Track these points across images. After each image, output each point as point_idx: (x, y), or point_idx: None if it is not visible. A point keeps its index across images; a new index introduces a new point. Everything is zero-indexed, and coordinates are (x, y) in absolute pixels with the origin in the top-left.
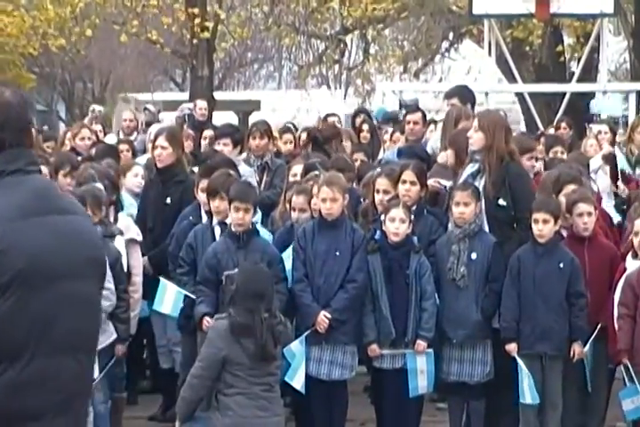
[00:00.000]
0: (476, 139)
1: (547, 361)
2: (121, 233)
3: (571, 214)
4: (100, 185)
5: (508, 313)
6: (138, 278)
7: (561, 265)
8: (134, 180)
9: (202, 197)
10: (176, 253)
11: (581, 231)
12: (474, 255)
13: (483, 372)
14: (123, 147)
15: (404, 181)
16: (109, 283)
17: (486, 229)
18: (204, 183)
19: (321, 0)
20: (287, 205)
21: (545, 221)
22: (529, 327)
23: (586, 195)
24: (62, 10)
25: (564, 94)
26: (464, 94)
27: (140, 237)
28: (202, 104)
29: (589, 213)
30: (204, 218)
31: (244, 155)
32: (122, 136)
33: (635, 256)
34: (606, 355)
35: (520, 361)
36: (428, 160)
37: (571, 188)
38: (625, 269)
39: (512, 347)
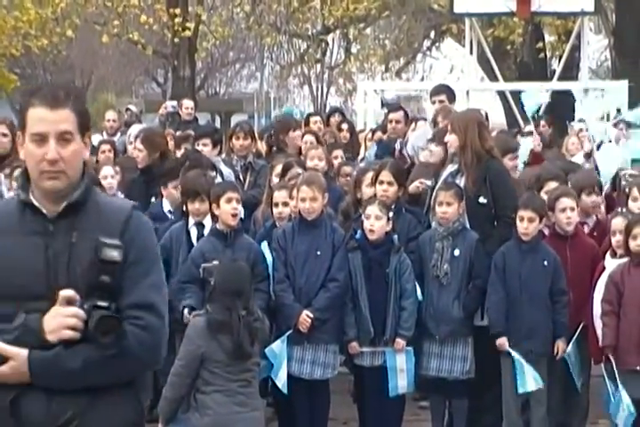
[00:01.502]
0: (450, 141)
1: (533, 359)
2: None
3: (553, 211)
4: None
5: (494, 308)
6: None
7: (545, 263)
8: (103, 182)
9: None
10: None
11: (565, 226)
12: (456, 252)
13: (462, 368)
14: (105, 147)
15: (382, 182)
16: None
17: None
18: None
19: (302, 0)
20: (270, 204)
21: (530, 220)
22: (515, 325)
23: (568, 190)
24: (43, 10)
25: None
26: (449, 92)
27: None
28: (188, 104)
29: (572, 209)
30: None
31: (224, 155)
32: (105, 136)
33: (613, 255)
34: (588, 353)
35: (514, 353)
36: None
37: (552, 185)
38: (604, 268)
39: (502, 341)
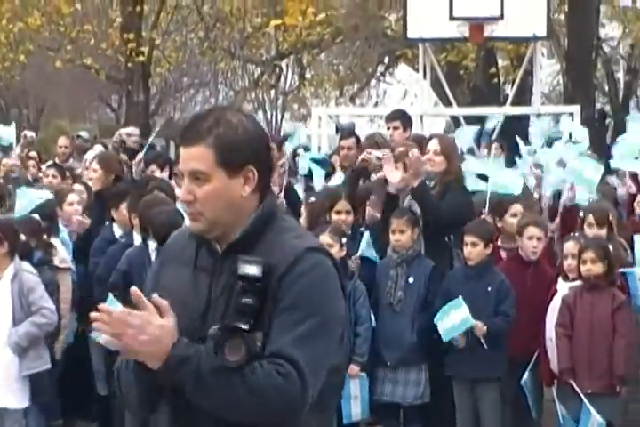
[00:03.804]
0: (437, 162)
1: (479, 386)
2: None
3: (520, 236)
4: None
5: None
6: (66, 305)
7: (489, 289)
8: (70, 208)
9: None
10: (106, 277)
11: (529, 255)
12: (411, 279)
13: (416, 394)
14: (49, 171)
15: (339, 212)
16: (47, 302)
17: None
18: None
19: (256, 25)
20: None
21: (473, 244)
22: (457, 352)
23: (537, 219)
24: None
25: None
26: (405, 118)
27: (68, 264)
28: (133, 131)
29: (539, 238)
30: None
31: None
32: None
33: (565, 278)
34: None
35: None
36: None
37: (517, 207)
38: (556, 291)
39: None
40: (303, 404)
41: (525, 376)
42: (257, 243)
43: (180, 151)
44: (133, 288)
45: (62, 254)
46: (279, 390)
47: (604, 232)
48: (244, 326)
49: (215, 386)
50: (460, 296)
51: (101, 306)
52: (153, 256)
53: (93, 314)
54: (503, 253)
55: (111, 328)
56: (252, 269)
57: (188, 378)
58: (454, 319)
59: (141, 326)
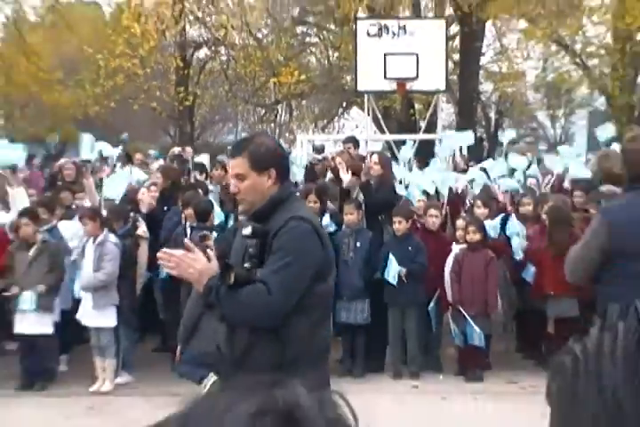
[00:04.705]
0: (376, 169)
1: (407, 311)
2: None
3: (425, 215)
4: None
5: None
6: (142, 261)
7: (410, 248)
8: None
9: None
10: (166, 241)
11: (431, 226)
12: (358, 244)
13: (362, 317)
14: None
15: (309, 202)
16: (111, 266)
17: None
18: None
19: (261, 82)
20: None
21: (399, 222)
22: (393, 290)
23: (436, 204)
24: (96, 88)
25: (415, 141)
26: (355, 141)
27: (146, 234)
28: (189, 149)
29: (436, 216)
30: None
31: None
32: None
33: (457, 243)
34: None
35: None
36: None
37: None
38: (451, 251)
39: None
40: (275, 309)
41: (431, 305)
42: (271, 216)
43: (229, 161)
44: (186, 241)
45: (143, 227)
46: (254, 300)
47: (487, 211)
48: (247, 265)
49: (225, 302)
50: (392, 255)
51: (165, 250)
52: (188, 231)
53: (159, 254)
54: (418, 224)
55: (170, 263)
56: (246, 230)
57: (214, 298)
58: (390, 269)
59: (189, 263)
